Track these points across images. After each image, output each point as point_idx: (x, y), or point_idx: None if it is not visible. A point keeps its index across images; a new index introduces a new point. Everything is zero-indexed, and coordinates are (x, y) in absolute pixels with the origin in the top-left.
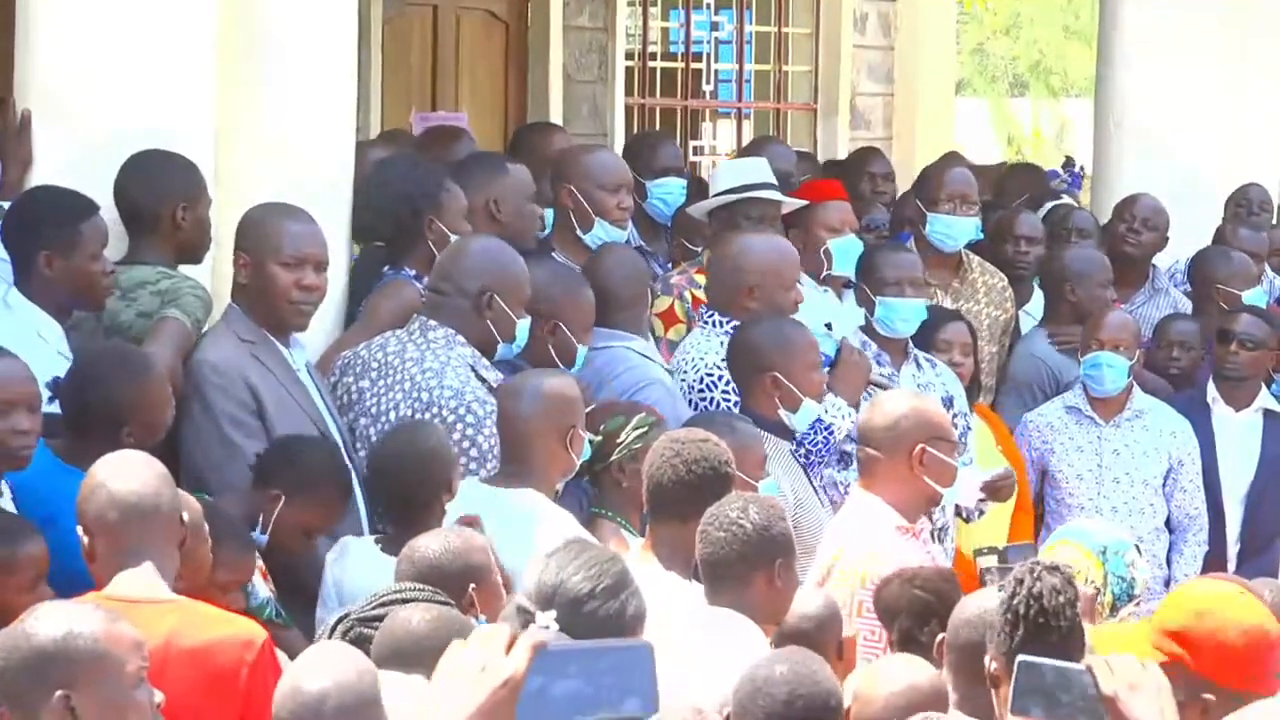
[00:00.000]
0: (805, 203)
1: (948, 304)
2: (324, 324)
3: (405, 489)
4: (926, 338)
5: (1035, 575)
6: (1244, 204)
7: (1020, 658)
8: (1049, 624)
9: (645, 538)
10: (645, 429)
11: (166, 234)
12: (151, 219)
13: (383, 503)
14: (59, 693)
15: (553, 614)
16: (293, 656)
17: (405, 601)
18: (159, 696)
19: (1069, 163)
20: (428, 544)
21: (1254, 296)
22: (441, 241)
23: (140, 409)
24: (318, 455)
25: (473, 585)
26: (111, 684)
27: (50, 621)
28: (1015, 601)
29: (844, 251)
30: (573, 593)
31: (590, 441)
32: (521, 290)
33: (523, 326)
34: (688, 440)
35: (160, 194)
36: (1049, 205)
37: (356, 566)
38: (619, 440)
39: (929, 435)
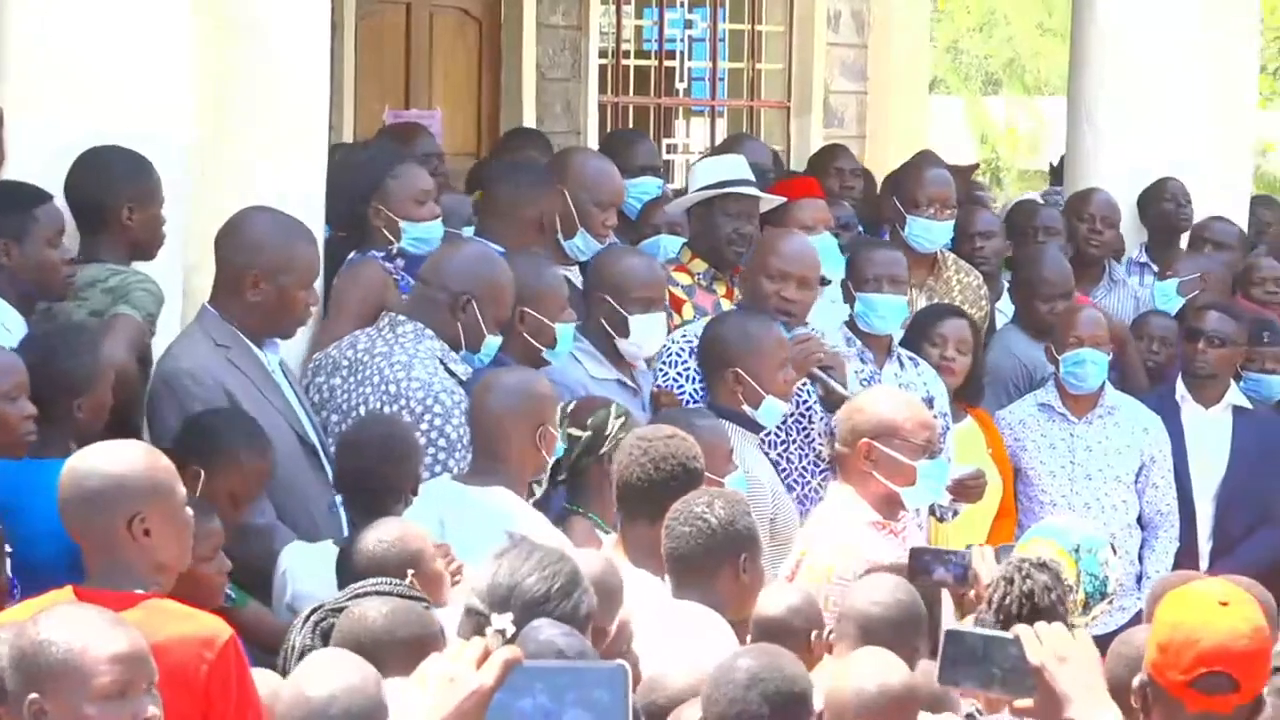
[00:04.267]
0: (783, 199)
1: (923, 302)
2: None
3: (374, 486)
4: (922, 331)
5: (1025, 574)
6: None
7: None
8: (1041, 622)
9: (616, 535)
10: (623, 418)
11: (116, 232)
12: (100, 217)
13: (346, 495)
14: (31, 695)
15: (509, 617)
16: (256, 628)
17: (377, 594)
18: (151, 711)
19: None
20: (365, 537)
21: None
22: (391, 227)
23: (94, 380)
24: (225, 422)
25: (411, 571)
26: (77, 696)
27: (42, 624)
28: (1007, 601)
29: (819, 249)
30: (528, 595)
31: (577, 437)
32: (501, 306)
33: (491, 343)
34: (655, 438)
35: (108, 192)
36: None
37: (313, 570)
38: (606, 433)
39: (878, 432)
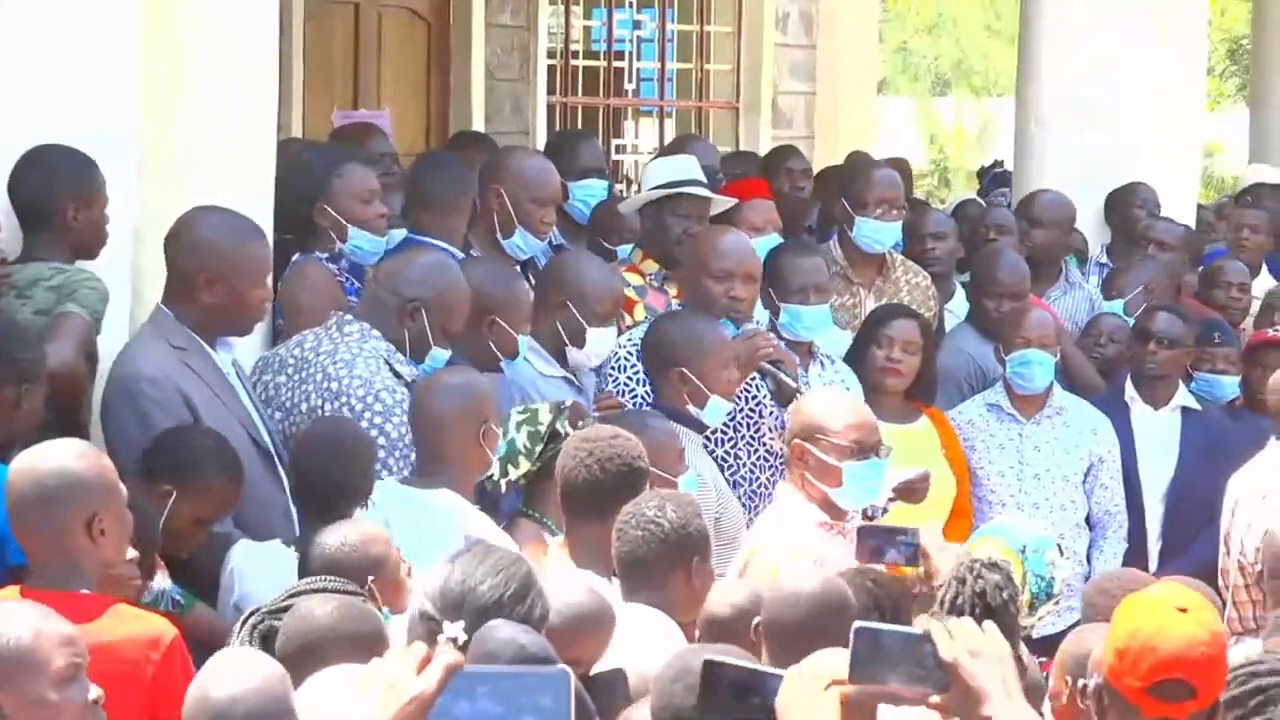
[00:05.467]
0: (734, 201)
1: (870, 303)
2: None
3: (327, 488)
4: (870, 332)
5: (976, 574)
6: (1142, 205)
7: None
8: (994, 622)
9: (562, 537)
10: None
11: (59, 232)
12: (43, 216)
13: (301, 499)
14: None
15: (461, 625)
16: (202, 632)
17: (317, 593)
18: (95, 692)
19: (996, 165)
20: (326, 540)
21: None
22: (336, 227)
23: (42, 370)
24: (203, 445)
25: (371, 578)
26: (35, 684)
27: None
28: (959, 601)
29: (767, 251)
30: (481, 601)
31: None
32: (452, 319)
33: (438, 355)
34: (598, 439)
35: (52, 191)
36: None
37: (260, 570)
38: (563, 434)
39: (806, 433)
